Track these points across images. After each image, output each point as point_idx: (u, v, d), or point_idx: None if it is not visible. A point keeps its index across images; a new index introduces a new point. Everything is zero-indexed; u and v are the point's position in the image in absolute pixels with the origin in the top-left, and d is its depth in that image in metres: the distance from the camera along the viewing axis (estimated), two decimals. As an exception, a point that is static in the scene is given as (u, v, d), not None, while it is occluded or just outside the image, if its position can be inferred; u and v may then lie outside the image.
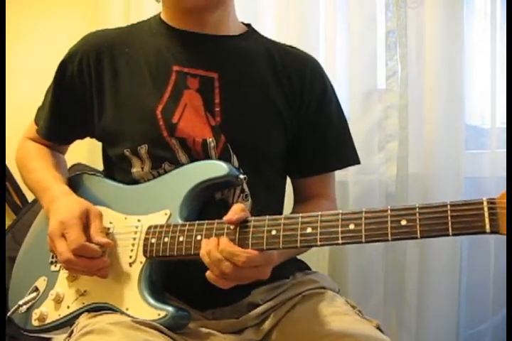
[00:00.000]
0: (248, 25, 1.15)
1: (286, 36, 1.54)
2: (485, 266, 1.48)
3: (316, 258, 1.54)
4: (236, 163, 1.02)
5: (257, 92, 1.06)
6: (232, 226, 0.86)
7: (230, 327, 0.99)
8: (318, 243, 0.81)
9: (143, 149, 1.01)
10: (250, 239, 0.84)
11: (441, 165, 1.47)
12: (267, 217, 0.85)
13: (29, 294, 1.04)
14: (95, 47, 1.09)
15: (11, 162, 1.83)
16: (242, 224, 0.86)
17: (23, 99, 1.90)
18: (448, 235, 0.74)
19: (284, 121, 1.07)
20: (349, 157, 1.17)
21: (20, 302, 1.03)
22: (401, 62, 1.53)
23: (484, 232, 0.72)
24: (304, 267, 1.15)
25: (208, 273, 0.85)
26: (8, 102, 1.76)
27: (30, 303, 1.03)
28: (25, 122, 1.89)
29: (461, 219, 0.73)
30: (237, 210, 0.86)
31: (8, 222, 1.74)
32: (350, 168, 1.52)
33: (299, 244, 0.82)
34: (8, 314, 1.04)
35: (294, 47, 1.17)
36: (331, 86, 1.16)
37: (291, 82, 1.09)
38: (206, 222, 0.90)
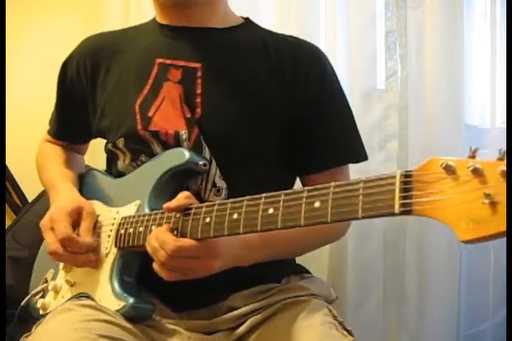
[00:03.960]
0: (246, 19, 1.14)
1: (286, 36, 1.54)
2: (485, 266, 1.48)
3: (315, 258, 1.54)
4: (207, 156, 0.99)
5: (243, 84, 1.03)
6: (177, 215, 0.84)
7: (201, 327, 0.97)
8: (241, 230, 0.76)
9: (120, 143, 1.04)
10: (189, 228, 0.82)
11: (441, 165, 1.46)
12: (205, 203, 0.82)
13: (41, 285, 1.09)
14: (92, 49, 1.13)
15: (10, 162, 1.83)
16: (186, 211, 0.83)
17: (23, 99, 1.90)
18: (358, 218, 0.63)
19: (275, 114, 1.02)
20: (356, 151, 1.09)
21: (33, 292, 1.09)
22: (401, 62, 1.53)
23: (393, 214, 0.60)
24: (300, 270, 1.10)
25: (153, 263, 0.84)
26: (8, 102, 1.77)
27: (40, 293, 1.08)
28: (25, 122, 1.90)
29: (371, 198, 0.62)
30: (179, 198, 0.85)
31: (8, 222, 1.74)
32: (350, 168, 1.51)
33: (226, 232, 0.78)
34: (22, 303, 1.09)
35: (294, 37, 1.12)
36: (332, 72, 1.09)
37: (284, 67, 1.04)
38: (160, 211, 0.89)
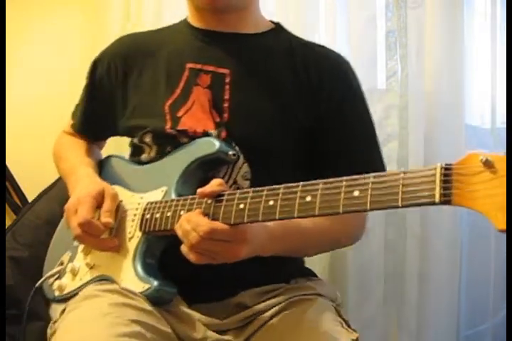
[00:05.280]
0: (276, 24, 1.16)
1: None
2: (485, 266, 1.48)
3: (315, 258, 1.54)
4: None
5: (269, 89, 1.06)
6: (209, 201, 0.87)
7: (212, 325, 0.99)
8: (277, 216, 0.79)
9: (147, 138, 1.07)
10: (221, 213, 0.84)
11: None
12: (238, 191, 0.85)
13: (57, 267, 1.11)
14: (124, 50, 1.16)
15: (10, 162, 1.83)
16: (218, 198, 0.86)
17: (23, 99, 1.90)
18: (398, 207, 0.67)
19: (298, 120, 1.05)
20: (375, 162, 1.10)
21: (48, 274, 1.11)
22: (401, 62, 1.53)
23: (434, 203, 0.64)
24: (308, 273, 1.12)
25: (182, 246, 0.86)
26: (8, 102, 1.76)
27: (56, 275, 1.10)
28: (25, 122, 1.90)
29: (412, 188, 0.66)
30: (213, 184, 0.87)
31: (8, 222, 1.74)
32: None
33: (260, 218, 0.81)
34: (37, 284, 1.10)
35: (322, 46, 1.15)
36: (357, 85, 1.12)
37: (309, 77, 1.07)
38: (190, 197, 0.92)
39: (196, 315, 0.99)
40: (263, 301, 1.01)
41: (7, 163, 1.82)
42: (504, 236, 0.65)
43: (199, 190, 0.87)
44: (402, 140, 1.52)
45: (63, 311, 0.97)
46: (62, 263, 1.11)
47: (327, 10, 1.57)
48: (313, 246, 1.07)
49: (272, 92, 1.06)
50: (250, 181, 1.03)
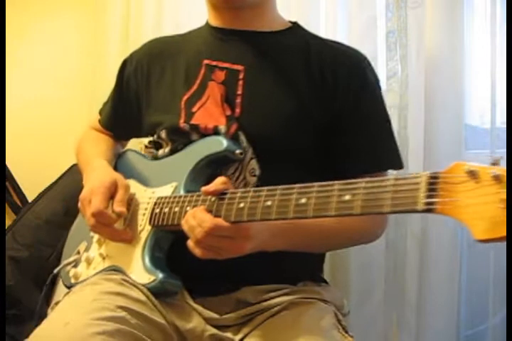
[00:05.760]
0: (294, 23, 1.18)
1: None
2: (485, 266, 1.48)
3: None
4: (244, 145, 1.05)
5: (283, 86, 1.07)
6: (213, 198, 0.89)
7: (212, 320, 1.00)
8: (273, 216, 0.81)
9: (163, 134, 1.10)
10: (223, 211, 0.87)
11: (441, 165, 1.45)
12: (240, 190, 0.88)
13: (73, 256, 1.16)
14: (151, 51, 1.21)
15: (10, 162, 1.83)
16: (221, 196, 0.89)
17: (23, 99, 1.90)
18: (383, 212, 0.69)
19: (312, 119, 1.05)
20: (388, 159, 1.11)
21: (66, 262, 1.15)
22: (401, 62, 1.53)
23: (416, 211, 0.65)
24: (318, 279, 1.13)
25: (188, 241, 0.88)
26: (8, 102, 1.77)
27: (73, 264, 1.14)
28: (24, 122, 1.90)
29: (399, 195, 0.68)
30: (217, 183, 0.90)
31: (8, 222, 1.74)
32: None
33: (258, 217, 0.83)
34: (55, 271, 1.16)
35: (341, 44, 1.16)
36: (373, 82, 1.12)
37: (324, 75, 1.07)
38: (196, 193, 0.94)
39: (198, 308, 1.00)
40: (265, 300, 1.01)
41: (7, 163, 1.82)
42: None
43: (203, 188, 0.90)
44: (402, 140, 1.52)
45: (67, 294, 1.02)
46: (78, 252, 1.15)
47: (327, 10, 1.57)
48: (321, 243, 1.06)
49: (286, 89, 1.07)
50: (258, 177, 1.04)
